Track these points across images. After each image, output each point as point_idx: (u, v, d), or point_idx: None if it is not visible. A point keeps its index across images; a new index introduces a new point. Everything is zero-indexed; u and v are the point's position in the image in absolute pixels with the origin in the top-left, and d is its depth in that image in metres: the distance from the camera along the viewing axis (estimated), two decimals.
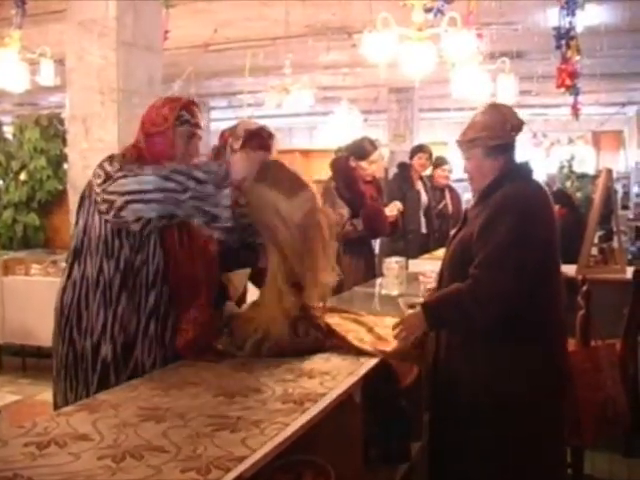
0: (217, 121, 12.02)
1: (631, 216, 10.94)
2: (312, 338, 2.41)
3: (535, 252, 2.33)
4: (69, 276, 2.33)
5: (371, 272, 4.54)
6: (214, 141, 2.95)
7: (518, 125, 2.49)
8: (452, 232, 2.74)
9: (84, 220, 2.32)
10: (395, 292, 3.51)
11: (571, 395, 2.93)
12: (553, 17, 6.06)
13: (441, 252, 3.30)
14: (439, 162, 6.56)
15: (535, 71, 8.51)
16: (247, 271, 2.90)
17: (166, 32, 5.24)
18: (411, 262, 4.29)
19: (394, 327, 2.51)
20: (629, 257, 7.32)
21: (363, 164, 4.51)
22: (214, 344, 2.37)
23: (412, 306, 2.69)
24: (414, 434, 2.79)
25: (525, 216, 2.35)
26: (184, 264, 2.37)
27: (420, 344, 2.57)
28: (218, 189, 2.16)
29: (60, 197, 6.98)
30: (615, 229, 5.29)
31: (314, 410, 1.83)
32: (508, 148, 2.50)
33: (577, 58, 5.76)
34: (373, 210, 4.53)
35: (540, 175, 14.76)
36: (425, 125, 12.97)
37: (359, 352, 2.38)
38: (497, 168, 2.47)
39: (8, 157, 7.38)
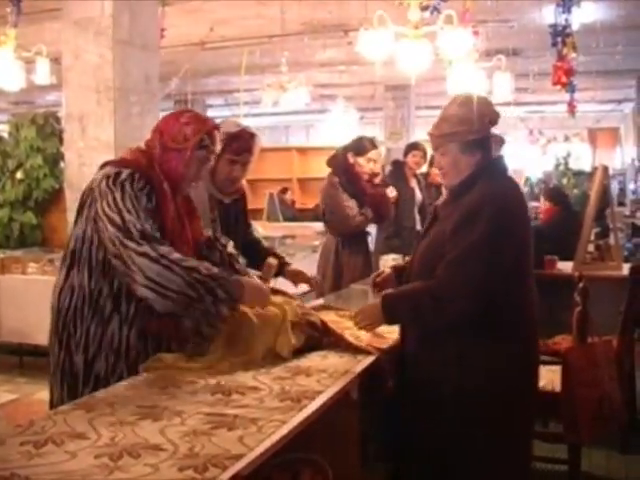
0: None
1: (627, 213, 10.96)
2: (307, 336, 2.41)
3: (510, 251, 2.28)
4: (66, 278, 2.31)
5: (368, 269, 4.55)
6: None
7: (495, 118, 2.40)
8: (421, 229, 2.65)
9: (82, 230, 2.27)
10: (392, 289, 3.50)
11: (568, 392, 2.94)
12: (549, 14, 6.09)
13: None
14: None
15: (531, 68, 8.54)
16: None
17: (162, 30, 5.25)
18: (407, 259, 4.28)
19: (354, 316, 2.52)
20: (625, 254, 7.34)
21: (361, 160, 4.51)
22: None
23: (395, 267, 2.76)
24: None
25: (501, 216, 2.27)
26: None
27: None
28: (229, 310, 2.19)
29: (57, 195, 6.96)
30: (611, 226, 5.30)
31: (311, 408, 1.83)
32: (485, 142, 2.39)
33: (573, 55, 5.79)
34: (377, 196, 4.60)
35: (536, 172, 14.84)
36: (421, 123, 12.88)
37: (356, 349, 2.38)
38: (473, 164, 2.37)
39: (4, 156, 7.35)
